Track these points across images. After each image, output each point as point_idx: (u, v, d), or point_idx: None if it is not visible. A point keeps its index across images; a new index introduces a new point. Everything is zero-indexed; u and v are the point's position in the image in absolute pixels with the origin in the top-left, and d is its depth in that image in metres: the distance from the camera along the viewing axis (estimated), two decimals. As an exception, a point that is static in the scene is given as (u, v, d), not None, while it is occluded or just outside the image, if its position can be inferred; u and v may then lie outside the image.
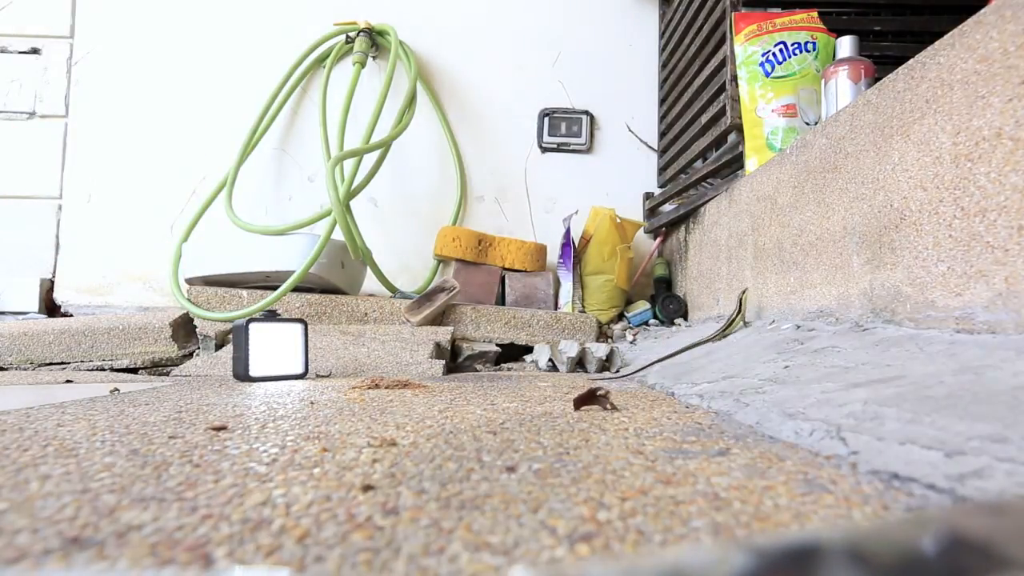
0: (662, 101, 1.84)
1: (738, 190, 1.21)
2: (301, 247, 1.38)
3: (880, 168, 0.76)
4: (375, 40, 1.86)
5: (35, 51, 1.90)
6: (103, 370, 1.27)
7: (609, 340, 1.49)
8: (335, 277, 1.44)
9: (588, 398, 0.68)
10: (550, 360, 1.29)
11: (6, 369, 1.25)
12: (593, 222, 1.68)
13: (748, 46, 1.17)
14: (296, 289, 1.36)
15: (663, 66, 1.84)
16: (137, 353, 1.29)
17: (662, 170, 1.82)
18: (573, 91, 1.93)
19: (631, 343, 1.45)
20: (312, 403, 0.72)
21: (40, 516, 0.31)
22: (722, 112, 1.29)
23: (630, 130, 1.93)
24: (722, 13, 1.30)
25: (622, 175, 1.91)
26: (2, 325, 1.38)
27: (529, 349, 1.41)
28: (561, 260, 1.67)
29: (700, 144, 1.44)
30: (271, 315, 1.07)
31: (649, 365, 1.08)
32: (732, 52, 1.22)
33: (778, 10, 1.21)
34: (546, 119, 1.91)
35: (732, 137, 1.27)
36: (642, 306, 1.63)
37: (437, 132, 1.91)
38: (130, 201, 1.83)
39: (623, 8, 1.94)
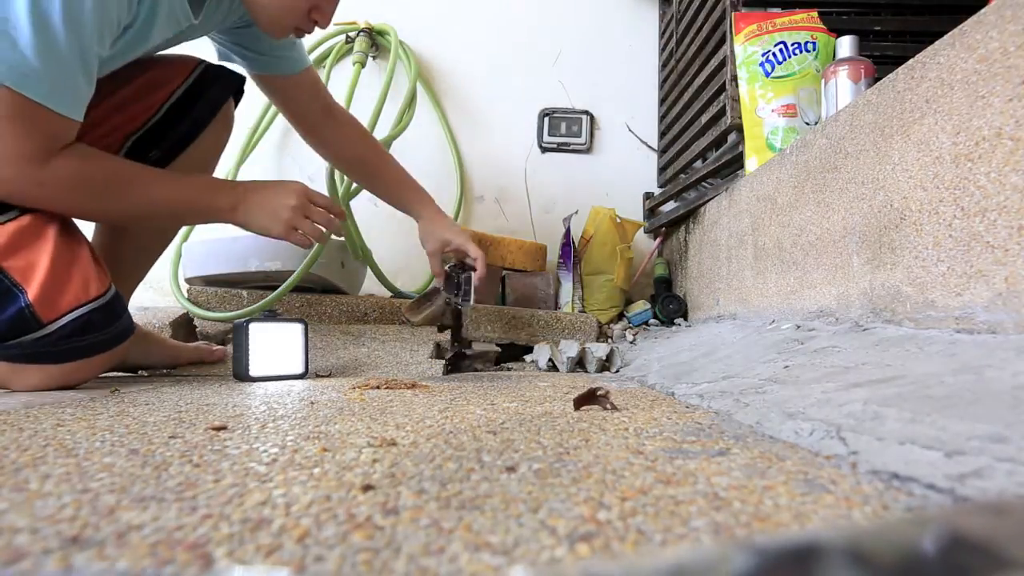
0: (662, 101, 1.84)
1: (738, 190, 1.21)
2: (301, 247, 1.38)
3: (880, 168, 0.76)
4: (375, 40, 1.86)
5: (35, 51, 1.90)
6: (103, 370, 1.27)
7: (609, 340, 1.49)
8: (335, 277, 1.44)
9: (588, 398, 0.68)
10: (550, 360, 1.29)
11: (6, 369, 1.25)
12: (593, 222, 1.68)
13: (748, 46, 1.17)
14: (296, 289, 1.36)
15: (663, 66, 1.84)
16: (137, 353, 1.28)
17: (662, 170, 1.82)
18: (573, 91, 1.93)
19: (631, 343, 1.45)
20: (312, 403, 0.72)
21: (40, 516, 0.31)
22: (722, 112, 1.29)
23: (630, 130, 1.93)
24: (722, 13, 1.30)
25: (622, 175, 1.91)
26: (2, 325, 1.38)
27: (529, 349, 1.41)
28: (561, 260, 1.67)
29: (700, 144, 1.44)
30: (271, 315, 1.07)
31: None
32: (732, 52, 1.22)
33: (778, 10, 1.21)
34: (546, 119, 1.91)
35: (732, 137, 1.27)
36: (642, 306, 1.63)
37: (437, 132, 1.91)
38: (130, 201, 1.82)
39: (623, 8, 1.93)
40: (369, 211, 1.86)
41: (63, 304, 0.84)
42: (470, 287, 1.14)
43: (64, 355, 0.86)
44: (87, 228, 0.99)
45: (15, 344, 0.84)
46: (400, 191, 1.23)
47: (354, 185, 1.52)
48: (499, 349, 1.38)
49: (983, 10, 0.60)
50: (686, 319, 1.53)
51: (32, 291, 0.82)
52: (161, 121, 1.04)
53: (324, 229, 0.99)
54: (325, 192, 1.37)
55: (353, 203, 1.56)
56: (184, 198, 0.93)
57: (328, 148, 1.21)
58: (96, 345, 0.88)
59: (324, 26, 0.95)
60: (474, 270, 1.14)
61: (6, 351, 0.85)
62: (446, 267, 1.17)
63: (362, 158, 1.22)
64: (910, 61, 0.71)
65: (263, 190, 0.96)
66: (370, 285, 1.70)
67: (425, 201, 1.21)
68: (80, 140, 1.01)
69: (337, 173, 1.43)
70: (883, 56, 1.18)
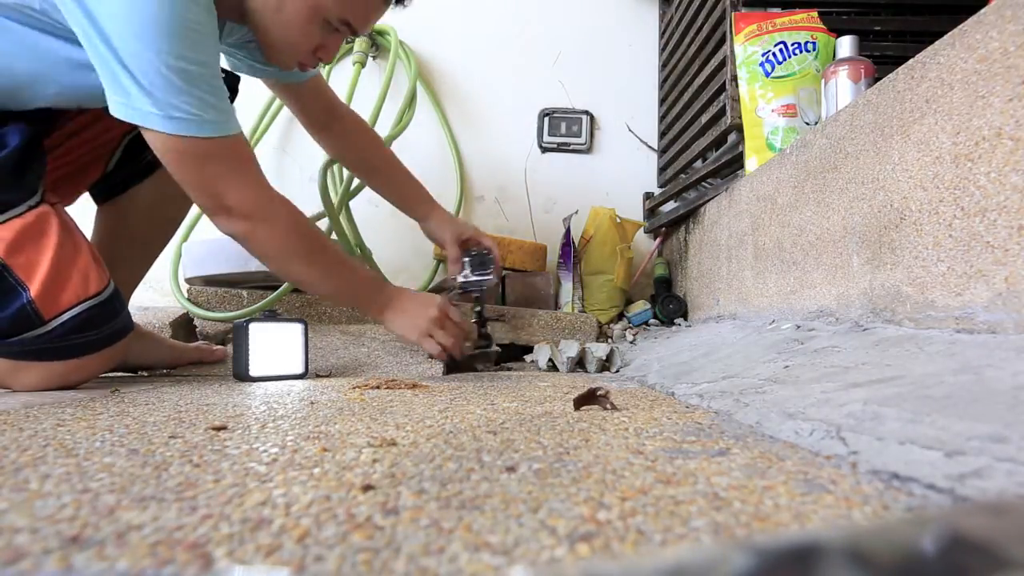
0: (662, 101, 1.84)
1: (738, 190, 1.21)
2: (301, 247, 1.38)
3: (880, 168, 0.76)
4: (375, 40, 1.86)
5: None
6: (103, 370, 1.27)
7: (609, 340, 1.49)
8: (335, 277, 1.44)
9: (588, 398, 0.68)
10: (550, 360, 1.29)
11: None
12: (593, 222, 1.68)
13: (748, 46, 1.17)
14: (296, 289, 1.36)
15: (663, 66, 1.84)
16: (137, 353, 1.28)
17: (662, 170, 1.82)
18: (573, 91, 1.93)
19: (631, 343, 1.45)
20: (312, 403, 0.72)
21: (40, 516, 0.31)
22: (722, 112, 1.29)
23: (630, 130, 1.93)
24: (722, 13, 1.30)
25: (622, 175, 1.91)
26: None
27: (529, 349, 1.41)
28: (561, 260, 1.67)
29: (700, 144, 1.44)
30: (271, 315, 1.07)
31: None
32: (732, 52, 1.22)
33: (778, 10, 1.21)
34: (546, 119, 1.91)
35: (732, 137, 1.27)
36: (642, 306, 1.63)
37: (437, 132, 1.91)
38: (130, 201, 1.82)
39: (623, 8, 1.93)
40: (369, 211, 1.86)
41: (63, 301, 0.85)
42: (492, 266, 1.22)
43: (64, 351, 0.87)
44: (85, 226, 1.00)
45: (16, 341, 0.84)
46: (405, 191, 1.28)
47: (353, 185, 1.53)
48: (499, 349, 1.38)
49: (983, 10, 0.60)
50: (686, 319, 1.53)
51: (34, 288, 0.83)
52: None
53: (452, 341, 1.06)
54: (316, 192, 1.38)
55: (353, 203, 1.56)
56: (354, 286, 1.04)
57: (334, 148, 1.26)
58: (96, 342, 0.89)
59: (327, 63, 0.99)
60: (489, 250, 1.22)
61: (7, 348, 0.85)
62: (463, 256, 1.24)
63: (366, 158, 1.26)
64: (910, 61, 0.71)
65: (409, 300, 1.06)
66: (370, 285, 1.69)
67: (432, 201, 1.27)
68: (76, 136, 1.02)
69: (330, 177, 1.44)
70: (883, 56, 1.17)
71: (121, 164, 1.07)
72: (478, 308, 1.26)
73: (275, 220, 0.93)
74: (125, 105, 0.78)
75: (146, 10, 0.74)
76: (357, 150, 1.25)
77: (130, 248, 1.12)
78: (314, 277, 0.99)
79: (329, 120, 1.21)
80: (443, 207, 1.27)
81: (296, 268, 0.98)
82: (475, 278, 1.22)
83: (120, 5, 0.74)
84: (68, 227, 0.89)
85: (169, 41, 0.75)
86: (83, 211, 1.07)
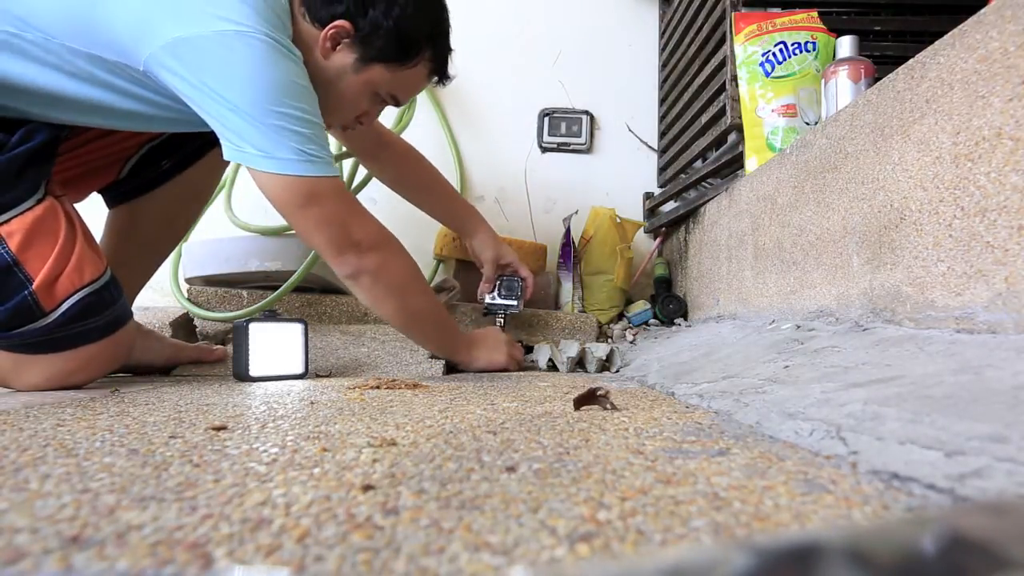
0: (662, 101, 1.84)
1: (738, 190, 1.21)
2: (301, 247, 1.38)
3: (880, 168, 0.76)
4: (375, 40, 1.86)
5: (35, 51, 1.89)
6: (103, 370, 1.26)
7: (609, 340, 1.49)
8: (335, 277, 1.44)
9: (588, 398, 0.68)
10: (550, 360, 1.29)
11: (6, 369, 1.25)
12: (593, 222, 1.68)
13: (748, 46, 1.17)
14: (296, 289, 1.36)
15: (663, 66, 1.84)
16: (137, 353, 1.28)
17: (662, 170, 1.82)
18: (573, 91, 1.93)
19: (631, 343, 1.45)
20: (312, 403, 0.72)
21: (40, 516, 0.31)
22: (722, 112, 1.29)
23: (630, 130, 1.93)
24: (722, 13, 1.30)
25: (622, 175, 1.91)
26: (2, 325, 1.37)
27: (529, 349, 1.41)
28: (561, 260, 1.67)
29: (700, 144, 1.44)
30: (271, 315, 1.07)
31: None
32: (732, 52, 1.22)
33: (778, 10, 1.21)
34: (546, 119, 1.91)
35: (732, 137, 1.27)
36: (642, 306, 1.63)
37: (437, 132, 1.91)
38: (130, 201, 1.82)
39: (623, 8, 1.93)
40: (369, 211, 1.86)
41: (60, 290, 0.85)
42: (523, 294, 1.33)
43: (63, 342, 0.87)
44: (95, 228, 0.99)
45: (17, 333, 0.85)
46: (453, 209, 1.35)
47: (354, 184, 1.53)
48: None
49: (983, 10, 0.60)
50: (686, 319, 1.53)
51: (37, 280, 0.84)
52: (178, 133, 1.08)
53: (522, 355, 1.25)
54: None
55: (353, 203, 1.56)
56: (450, 320, 1.13)
57: (386, 174, 1.32)
58: (95, 330, 0.89)
59: (367, 127, 1.09)
60: (523, 280, 1.33)
61: (8, 341, 0.85)
62: (497, 277, 1.34)
63: (416, 182, 1.33)
64: (910, 61, 0.71)
65: (480, 334, 1.19)
66: (370, 285, 1.69)
67: (480, 219, 1.34)
68: (93, 142, 1.05)
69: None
70: (883, 56, 1.17)
71: (135, 171, 1.09)
72: (501, 326, 1.35)
73: (398, 249, 0.98)
74: (261, 156, 0.83)
75: (263, 74, 0.81)
76: (407, 174, 1.31)
77: (138, 251, 1.13)
78: (426, 308, 1.04)
79: (379, 149, 1.27)
80: (490, 227, 1.34)
81: (417, 299, 1.02)
82: (501, 302, 1.33)
83: (240, 76, 0.80)
84: (71, 218, 0.90)
85: (285, 96, 0.82)
86: (92, 211, 1.08)
